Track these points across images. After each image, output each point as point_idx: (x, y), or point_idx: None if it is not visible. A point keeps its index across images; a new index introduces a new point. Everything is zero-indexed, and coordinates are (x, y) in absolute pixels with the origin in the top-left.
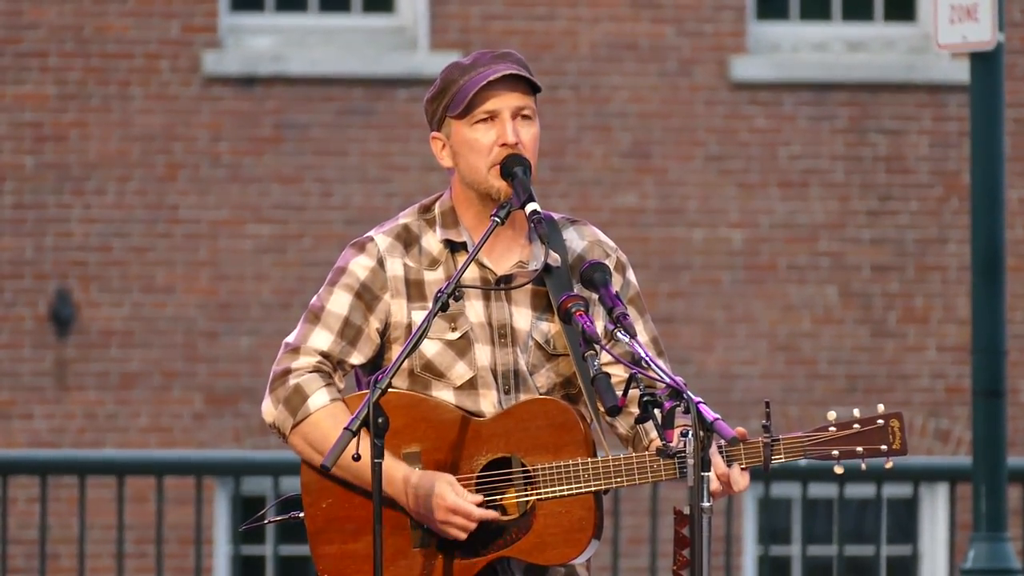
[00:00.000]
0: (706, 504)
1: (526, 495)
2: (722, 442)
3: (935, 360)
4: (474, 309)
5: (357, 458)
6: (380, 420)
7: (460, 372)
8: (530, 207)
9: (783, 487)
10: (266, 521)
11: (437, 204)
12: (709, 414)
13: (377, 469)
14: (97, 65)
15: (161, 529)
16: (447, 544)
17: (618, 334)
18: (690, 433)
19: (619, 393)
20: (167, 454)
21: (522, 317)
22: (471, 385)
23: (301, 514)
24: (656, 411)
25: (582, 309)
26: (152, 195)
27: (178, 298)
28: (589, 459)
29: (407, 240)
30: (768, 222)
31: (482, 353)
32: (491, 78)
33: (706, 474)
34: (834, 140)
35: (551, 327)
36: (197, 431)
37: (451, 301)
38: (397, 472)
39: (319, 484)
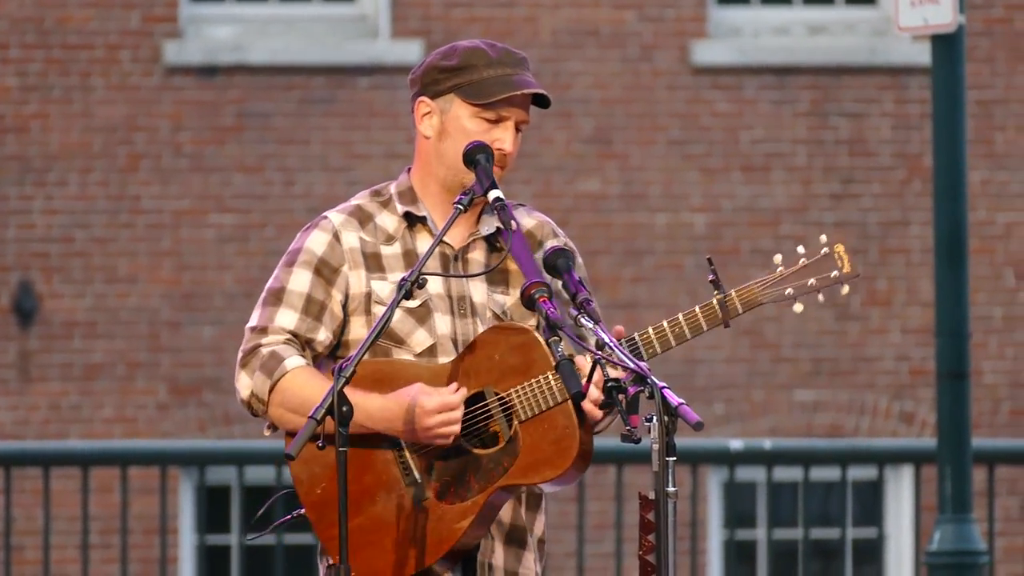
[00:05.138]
0: (671, 489)
1: (508, 421)
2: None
3: (899, 343)
4: (432, 281)
5: (322, 447)
6: (344, 408)
7: (420, 339)
8: (493, 194)
9: (748, 471)
10: (272, 527)
11: (393, 185)
12: (674, 399)
13: (343, 458)
14: (58, 56)
15: (126, 519)
16: (444, 490)
17: (582, 320)
18: (655, 418)
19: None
20: (131, 444)
21: (477, 290)
22: (431, 352)
23: (302, 510)
24: (620, 396)
25: (546, 295)
26: (114, 186)
27: (141, 288)
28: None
29: (361, 218)
30: (731, 206)
31: (441, 322)
32: (525, 91)
33: (671, 459)
34: (796, 124)
35: (507, 299)
36: (161, 421)
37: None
38: (369, 403)
39: (308, 474)
